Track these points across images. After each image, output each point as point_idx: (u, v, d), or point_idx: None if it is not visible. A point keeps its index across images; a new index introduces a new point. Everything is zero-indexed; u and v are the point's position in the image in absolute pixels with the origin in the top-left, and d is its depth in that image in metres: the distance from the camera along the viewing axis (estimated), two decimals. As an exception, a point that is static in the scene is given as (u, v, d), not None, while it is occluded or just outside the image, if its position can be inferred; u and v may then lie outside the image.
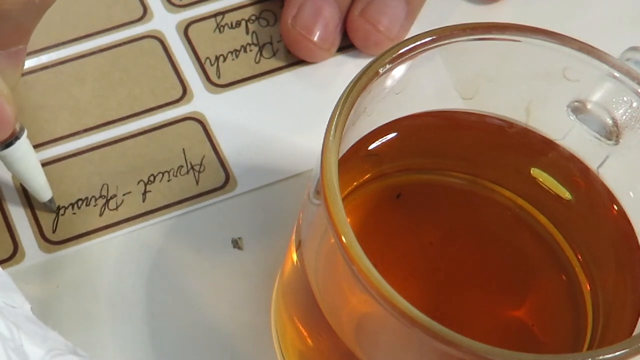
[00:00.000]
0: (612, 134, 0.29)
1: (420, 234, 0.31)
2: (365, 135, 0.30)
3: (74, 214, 0.36)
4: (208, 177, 0.37)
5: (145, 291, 0.35)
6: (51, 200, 0.36)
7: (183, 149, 0.38)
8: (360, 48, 0.40)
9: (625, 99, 0.28)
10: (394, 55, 0.27)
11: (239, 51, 0.40)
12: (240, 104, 0.39)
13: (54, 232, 0.36)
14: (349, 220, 0.25)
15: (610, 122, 0.29)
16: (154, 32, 0.40)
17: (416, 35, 0.28)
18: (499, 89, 0.30)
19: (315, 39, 0.39)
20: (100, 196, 0.37)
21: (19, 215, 0.36)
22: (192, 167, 0.37)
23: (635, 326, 0.28)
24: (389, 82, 0.28)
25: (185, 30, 0.40)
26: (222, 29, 0.41)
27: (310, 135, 0.35)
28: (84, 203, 0.36)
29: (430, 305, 0.29)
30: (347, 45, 0.40)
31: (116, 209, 0.36)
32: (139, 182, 0.37)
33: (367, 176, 0.31)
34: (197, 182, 0.37)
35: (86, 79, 0.39)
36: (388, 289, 0.24)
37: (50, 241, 0.36)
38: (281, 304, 0.32)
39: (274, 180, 0.37)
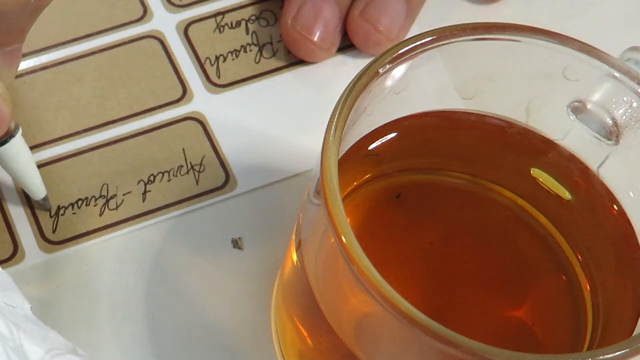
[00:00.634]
0: (612, 134, 0.29)
1: (420, 233, 0.31)
2: (365, 135, 0.30)
3: (74, 214, 0.36)
4: (208, 177, 0.37)
5: (145, 291, 0.35)
6: (45, 199, 0.36)
7: (183, 149, 0.38)
8: (360, 48, 0.40)
9: (625, 99, 0.28)
10: (394, 55, 0.27)
11: (239, 51, 0.40)
12: (240, 104, 0.39)
13: (54, 232, 0.36)
14: (349, 220, 0.25)
15: (610, 122, 0.29)
16: (154, 32, 0.40)
17: (416, 35, 0.28)
18: (499, 89, 0.30)
19: (315, 39, 0.39)
20: (100, 196, 0.37)
21: (19, 215, 0.36)
22: (192, 167, 0.37)
23: (635, 326, 0.28)
24: (389, 82, 0.28)
25: (185, 30, 0.40)
26: (222, 29, 0.41)
27: (310, 135, 0.35)
28: (84, 203, 0.36)
29: (430, 305, 0.29)
30: (347, 45, 0.40)
31: (116, 209, 0.36)
32: (139, 182, 0.37)
33: (367, 176, 0.31)
34: (197, 182, 0.37)
35: (86, 79, 0.39)
36: (388, 289, 0.24)
37: (50, 241, 0.36)
38: (281, 304, 0.32)
39: (274, 180, 0.37)
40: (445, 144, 0.32)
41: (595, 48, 0.28)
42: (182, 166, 0.37)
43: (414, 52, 0.27)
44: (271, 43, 0.40)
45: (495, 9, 0.41)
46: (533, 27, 0.28)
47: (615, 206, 0.30)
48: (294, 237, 0.30)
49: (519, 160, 0.32)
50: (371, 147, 0.31)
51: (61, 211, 0.36)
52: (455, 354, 0.24)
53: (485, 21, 0.28)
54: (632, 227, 0.30)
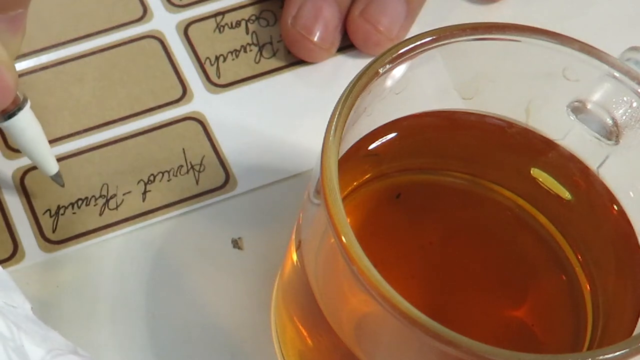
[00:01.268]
0: (612, 134, 0.29)
1: (420, 233, 0.31)
2: (365, 135, 0.30)
3: (74, 213, 0.36)
4: (208, 177, 0.37)
5: (145, 291, 0.35)
6: (58, 175, 0.35)
7: (183, 149, 0.38)
8: (360, 48, 0.40)
9: (625, 99, 0.28)
10: (394, 55, 0.27)
11: (239, 51, 0.40)
12: (240, 104, 0.39)
13: (54, 231, 0.36)
14: (349, 220, 0.25)
15: (610, 122, 0.29)
16: (154, 32, 0.40)
17: (416, 35, 0.28)
18: (499, 89, 0.30)
19: (315, 39, 0.39)
20: (100, 196, 0.37)
21: (19, 215, 0.36)
22: (192, 167, 0.37)
23: (635, 326, 0.28)
24: (389, 82, 0.28)
25: (185, 30, 0.40)
26: (222, 29, 0.41)
27: (310, 135, 0.35)
28: (84, 203, 0.36)
29: (430, 305, 0.29)
30: (347, 45, 0.40)
31: (116, 208, 0.36)
32: (139, 182, 0.37)
33: (367, 176, 0.31)
34: (197, 182, 0.37)
35: (86, 79, 0.39)
36: (388, 289, 0.24)
37: (50, 241, 0.36)
38: (281, 304, 0.32)
39: (274, 180, 0.37)
40: (445, 144, 0.32)
41: (595, 48, 0.28)
42: (182, 166, 0.37)
43: (414, 52, 0.27)
44: (271, 43, 0.40)
45: (495, 9, 0.41)
46: (533, 27, 0.28)
47: (615, 206, 0.30)
48: (294, 237, 0.30)
49: (519, 160, 0.32)
50: (371, 147, 0.31)
51: (61, 211, 0.36)
52: (455, 354, 0.24)
53: (485, 21, 0.28)
54: (632, 227, 0.30)
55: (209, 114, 0.39)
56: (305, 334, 0.30)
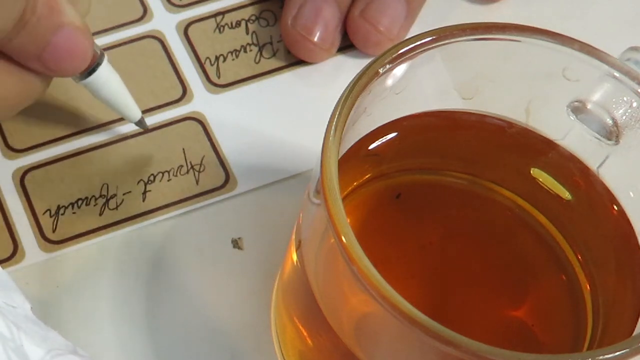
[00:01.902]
0: (612, 134, 0.29)
1: (420, 233, 0.31)
2: (365, 135, 0.30)
3: (74, 213, 0.36)
4: (208, 177, 0.37)
5: (145, 291, 0.35)
6: (141, 120, 0.36)
7: (183, 149, 0.38)
8: (360, 48, 0.40)
9: (625, 99, 0.28)
10: (394, 55, 0.27)
11: (239, 51, 0.40)
12: (240, 104, 0.39)
13: (54, 231, 0.36)
14: (349, 220, 0.25)
15: (610, 122, 0.29)
16: (154, 32, 0.40)
17: (416, 35, 0.28)
18: (499, 89, 0.30)
19: (315, 39, 0.39)
20: (100, 196, 0.37)
21: (19, 215, 0.36)
22: (192, 167, 0.37)
23: (635, 326, 0.28)
24: (389, 82, 0.28)
25: (185, 30, 0.40)
26: (222, 29, 0.41)
27: (310, 135, 0.35)
28: (84, 203, 0.36)
29: (430, 305, 0.29)
30: (347, 45, 0.40)
31: (116, 208, 0.36)
32: (139, 182, 0.37)
33: (367, 176, 0.31)
34: (197, 182, 0.37)
35: (86, 79, 0.39)
36: (388, 289, 0.24)
37: (50, 241, 0.36)
38: (281, 304, 0.32)
39: (274, 180, 0.37)
40: (445, 144, 0.32)
41: (595, 48, 0.28)
42: (182, 166, 0.37)
43: (414, 52, 0.27)
44: (271, 43, 0.40)
45: (495, 9, 0.41)
46: (533, 27, 0.28)
47: (615, 206, 0.30)
48: (294, 237, 0.30)
49: (519, 160, 0.32)
50: (371, 147, 0.31)
51: (61, 211, 0.36)
52: (455, 354, 0.24)
53: (485, 21, 0.28)
54: (632, 227, 0.30)
55: (209, 114, 0.39)
56: (305, 334, 0.30)
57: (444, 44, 0.28)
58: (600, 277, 0.30)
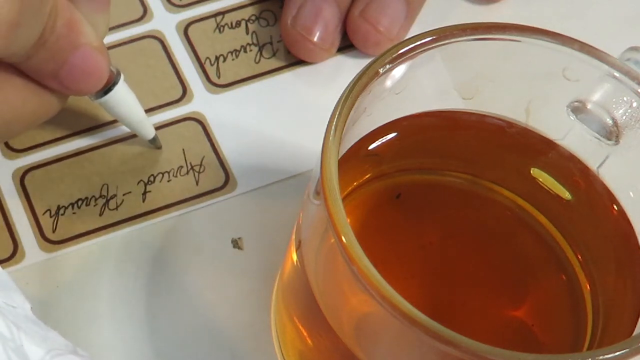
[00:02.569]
0: (612, 134, 0.29)
1: (420, 233, 0.31)
2: (365, 135, 0.30)
3: (74, 213, 0.36)
4: (208, 177, 0.37)
5: (145, 291, 0.35)
6: (155, 138, 0.37)
7: (183, 149, 0.38)
8: (360, 48, 0.40)
9: (625, 99, 0.28)
10: (394, 55, 0.27)
11: (239, 51, 0.40)
12: (240, 104, 0.39)
13: (54, 231, 0.36)
14: (349, 220, 0.25)
15: (610, 122, 0.29)
16: (154, 32, 0.40)
17: (416, 35, 0.28)
18: (499, 89, 0.30)
19: (315, 39, 0.39)
20: (100, 196, 0.37)
21: (19, 215, 0.36)
22: (192, 168, 0.37)
23: (635, 326, 0.28)
24: (389, 82, 0.28)
25: (185, 30, 0.40)
26: (222, 29, 0.41)
27: (310, 135, 0.35)
28: (84, 203, 0.36)
29: (431, 306, 0.29)
30: (347, 45, 0.40)
31: (116, 209, 0.36)
32: (139, 182, 0.37)
33: (367, 176, 0.31)
34: (197, 183, 0.37)
35: (86, 79, 0.39)
36: (388, 289, 0.24)
37: (50, 241, 0.36)
38: (281, 304, 0.32)
39: (274, 180, 0.37)
40: (445, 144, 0.32)
41: (595, 48, 0.28)
42: (182, 166, 0.37)
43: (414, 52, 0.27)
44: (271, 43, 0.40)
45: (495, 9, 0.41)
46: (533, 27, 0.28)
47: (615, 206, 0.30)
48: (294, 237, 0.30)
49: (519, 160, 0.32)
50: (371, 147, 0.31)
51: (61, 211, 0.36)
52: (455, 354, 0.24)
53: (485, 21, 0.28)
54: (632, 227, 0.30)
55: (209, 114, 0.39)
56: (305, 334, 0.30)
57: (444, 44, 0.28)
58: (600, 277, 0.30)
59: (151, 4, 0.41)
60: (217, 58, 0.40)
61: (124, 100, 0.35)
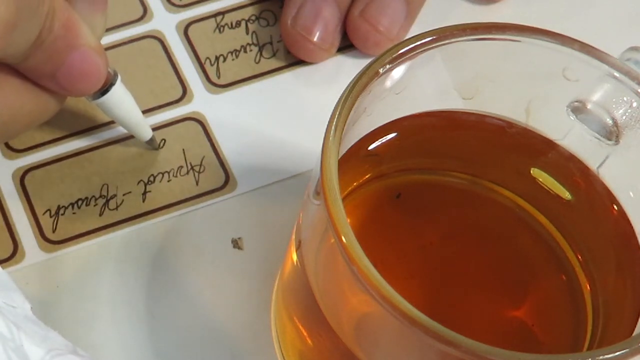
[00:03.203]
0: (612, 134, 0.29)
1: (420, 233, 0.31)
2: (365, 135, 0.30)
3: (74, 213, 0.36)
4: (208, 177, 0.37)
5: (145, 291, 0.35)
6: (152, 139, 0.37)
7: (183, 149, 0.38)
8: (360, 48, 0.40)
9: (625, 99, 0.28)
10: (394, 55, 0.27)
11: (239, 51, 0.40)
12: (240, 104, 0.39)
13: (54, 231, 0.36)
14: (349, 220, 0.25)
15: (610, 122, 0.29)
16: (154, 32, 0.40)
17: (416, 35, 0.28)
18: (499, 89, 0.30)
19: (315, 39, 0.39)
20: (100, 196, 0.37)
21: (19, 215, 0.36)
22: (192, 168, 0.37)
23: (635, 326, 0.28)
24: (389, 82, 0.28)
25: (185, 30, 0.40)
26: (222, 29, 0.41)
27: (310, 135, 0.35)
28: (84, 203, 0.36)
29: (430, 305, 0.29)
30: (347, 45, 0.40)
31: (116, 209, 0.36)
32: (139, 182, 0.37)
33: (367, 176, 0.31)
34: (197, 183, 0.37)
35: (86, 79, 0.39)
36: (388, 289, 0.24)
37: (50, 241, 0.36)
38: (281, 304, 0.32)
39: (274, 180, 0.37)
40: (445, 144, 0.32)
41: (595, 48, 0.28)
42: (182, 166, 0.37)
43: (414, 52, 0.27)
44: (271, 43, 0.40)
45: (495, 9, 0.41)
46: (533, 27, 0.28)
47: (615, 206, 0.30)
48: (294, 237, 0.30)
49: (519, 160, 0.32)
50: (371, 147, 0.31)
51: (61, 211, 0.36)
52: (455, 354, 0.24)
53: (485, 21, 0.28)
54: (632, 227, 0.30)
55: (209, 114, 0.39)
56: (305, 334, 0.30)
57: (444, 44, 0.28)
58: (600, 277, 0.30)
59: (151, 4, 0.41)
60: (217, 58, 0.40)
61: (121, 101, 0.35)
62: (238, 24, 0.41)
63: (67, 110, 0.38)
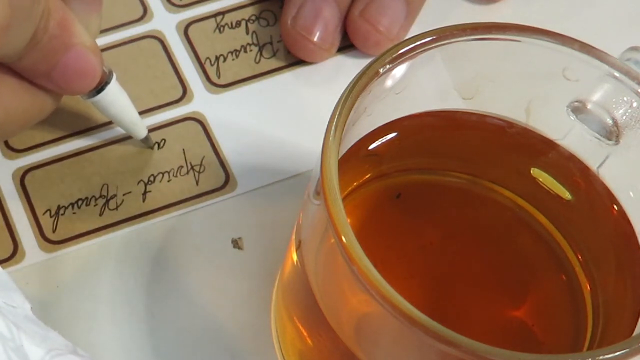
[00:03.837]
0: (612, 134, 0.29)
1: (420, 233, 0.31)
2: (365, 135, 0.30)
3: (74, 213, 0.36)
4: (208, 177, 0.37)
5: (145, 291, 0.35)
6: (147, 138, 0.37)
7: (183, 149, 0.38)
8: (360, 48, 0.40)
9: (625, 99, 0.28)
10: (394, 55, 0.27)
11: (239, 51, 0.40)
12: (240, 104, 0.39)
13: (54, 231, 0.36)
14: (349, 220, 0.25)
15: (610, 122, 0.29)
16: (154, 32, 0.40)
17: (416, 35, 0.28)
18: (499, 89, 0.30)
19: (315, 39, 0.39)
20: (100, 196, 0.37)
21: (19, 215, 0.36)
22: (192, 168, 0.37)
23: (635, 326, 0.28)
24: (389, 82, 0.28)
25: (185, 30, 0.40)
26: (222, 29, 0.41)
27: (310, 135, 0.35)
28: (84, 203, 0.36)
29: (430, 306, 0.29)
30: (347, 45, 0.40)
31: (116, 209, 0.36)
32: (139, 182, 0.37)
33: (367, 176, 0.31)
34: (197, 183, 0.37)
35: (86, 79, 0.39)
36: (388, 289, 0.24)
37: (50, 241, 0.36)
38: (281, 304, 0.32)
39: (274, 180, 0.37)
40: (445, 144, 0.32)
41: (595, 48, 0.28)
42: (182, 167, 0.37)
43: (414, 52, 0.27)
44: (271, 43, 0.40)
45: (495, 9, 0.41)
46: (533, 27, 0.28)
47: (615, 206, 0.30)
48: (294, 237, 0.30)
49: (519, 160, 0.32)
50: (371, 147, 0.31)
51: (61, 211, 0.36)
52: (455, 354, 0.24)
53: (485, 21, 0.28)
54: (632, 227, 0.30)
55: (209, 114, 0.39)
56: (305, 334, 0.30)
57: (444, 44, 0.28)
58: (600, 277, 0.30)
59: (151, 4, 0.41)
60: (217, 58, 0.40)
61: (117, 99, 0.35)
62: (238, 24, 0.41)
63: (67, 110, 0.38)
